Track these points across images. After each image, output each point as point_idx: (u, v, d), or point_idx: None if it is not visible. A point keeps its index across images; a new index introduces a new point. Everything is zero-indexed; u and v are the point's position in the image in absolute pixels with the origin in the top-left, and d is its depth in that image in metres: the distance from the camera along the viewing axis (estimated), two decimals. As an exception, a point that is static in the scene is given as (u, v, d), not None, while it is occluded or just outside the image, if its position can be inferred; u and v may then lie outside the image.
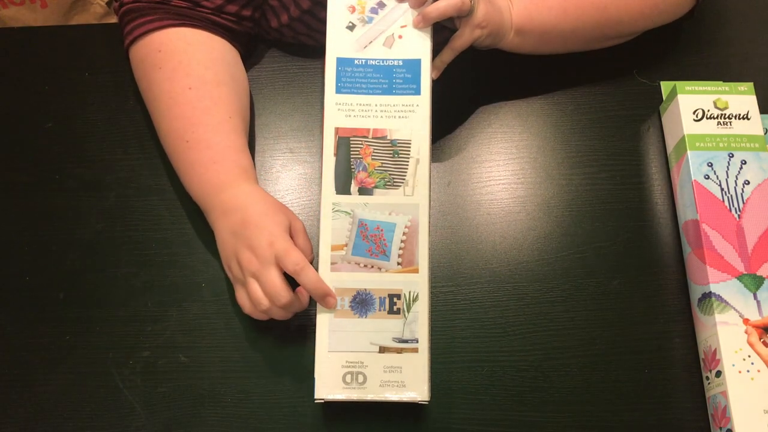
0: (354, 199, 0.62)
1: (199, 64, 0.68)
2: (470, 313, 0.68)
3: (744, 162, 0.69)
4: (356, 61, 0.64)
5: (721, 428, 0.61)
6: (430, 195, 0.62)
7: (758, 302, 0.63)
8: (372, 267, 0.61)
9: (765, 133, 0.71)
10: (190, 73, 0.67)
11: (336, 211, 0.61)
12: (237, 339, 0.67)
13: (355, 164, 0.62)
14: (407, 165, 0.62)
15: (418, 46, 0.64)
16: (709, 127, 0.71)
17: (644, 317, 0.68)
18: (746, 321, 0.63)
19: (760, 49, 0.82)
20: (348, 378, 0.59)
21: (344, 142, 0.63)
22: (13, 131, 0.76)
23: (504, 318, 0.67)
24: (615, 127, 0.76)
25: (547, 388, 0.65)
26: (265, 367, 0.66)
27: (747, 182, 0.68)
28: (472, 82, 0.79)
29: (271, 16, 0.77)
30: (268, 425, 0.63)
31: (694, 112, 0.71)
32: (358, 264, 0.61)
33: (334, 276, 0.61)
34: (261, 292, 0.61)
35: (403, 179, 0.62)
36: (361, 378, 0.59)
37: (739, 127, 0.71)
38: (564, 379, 0.65)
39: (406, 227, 0.61)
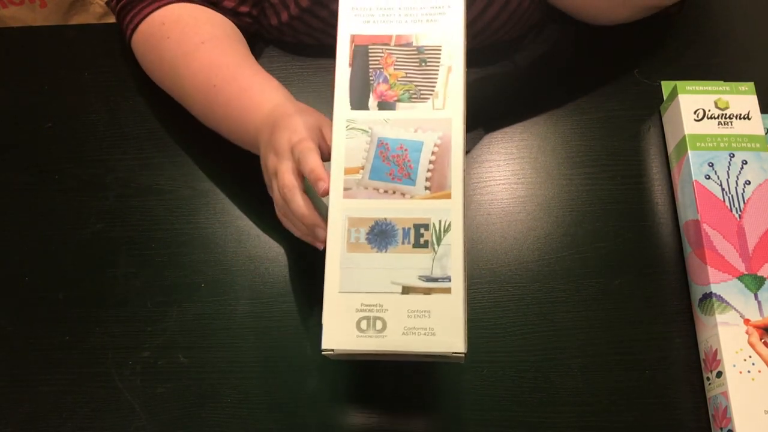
0: (372, 114, 0.53)
1: (206, 24, 0.69)
2: (470, 313, 0.67)
3: (745, 162, 0.69)
4: None
5: (721, 429, 0.61)
6: (465, 109, 0.53)
7: (759, 302, 0.63)
8: (394, 193, 0.51)
9: (766, 133, 0.71)
10: (198, 32, 0.69)
11: (351, 128, 0.53)
12: (237, 339, 0.66)
13: (375, 75, 0.54)
14: (437, 73, 0.53)
15: None
16: (709, 127, 0.71)
17: (644, 317, 0.68)
18: (747, 321, 0.63)
19: (761, 48, 0.82)
20: (363, 324, 0.49)
21: (361, 51, 0.54)
22: (13, 131, 0.76)
23: (504, 318, 0.67)
24: (615, 127, 0.76)
25: (547, 388, 0.65)
26: (265, 368, 0.65)
27: (748, 182, 0.68)
28: (471, 82, 0.79)
29: (271, 14, 0.77)
30: (268, 425, 0.63)
31: (694, 112, 0.71)
32: (377, 189, 0.52)
33: (348, 203, 0.51)
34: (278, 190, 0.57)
35: (432, 90, 0.53)
36: (379, 324, 0.49)
37: (739, 127, 0.70)
38: (564, 379, 0.65)
39: (435, 146, 0.52)
